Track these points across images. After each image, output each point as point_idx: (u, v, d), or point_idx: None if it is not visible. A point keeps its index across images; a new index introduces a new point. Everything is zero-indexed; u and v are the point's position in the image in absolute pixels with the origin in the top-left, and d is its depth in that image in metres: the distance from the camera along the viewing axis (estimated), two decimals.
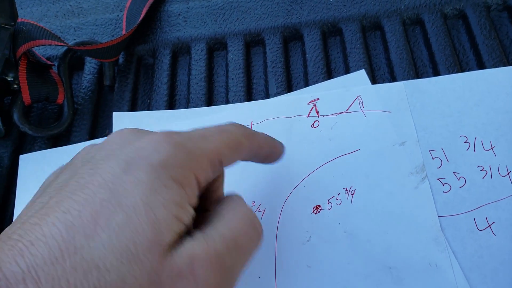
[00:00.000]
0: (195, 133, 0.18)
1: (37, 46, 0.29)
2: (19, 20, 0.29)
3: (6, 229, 0.14)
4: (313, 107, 0.28)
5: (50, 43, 0.30)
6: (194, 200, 0.16)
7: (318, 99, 0.28)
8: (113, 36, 0.35)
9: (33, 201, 0.16)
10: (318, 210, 0.25)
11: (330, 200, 0.25)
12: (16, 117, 0.30)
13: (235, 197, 0.19)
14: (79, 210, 0.14)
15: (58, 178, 0.16)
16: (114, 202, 0.14)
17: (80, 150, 0.18)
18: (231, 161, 0.19)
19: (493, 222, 0.23)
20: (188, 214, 0.16)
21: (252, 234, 0.17)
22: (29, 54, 0.30)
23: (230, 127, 0.19)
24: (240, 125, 0.20)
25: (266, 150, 0.22)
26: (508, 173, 0.25)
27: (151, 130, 0.18)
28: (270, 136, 0.23)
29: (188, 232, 0.16)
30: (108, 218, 0.14)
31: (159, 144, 0.16)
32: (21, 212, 0.16)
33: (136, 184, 0.15)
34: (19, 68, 0.29)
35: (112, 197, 0.14)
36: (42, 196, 0.15)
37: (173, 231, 0.15)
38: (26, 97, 0.30)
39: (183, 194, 0.16)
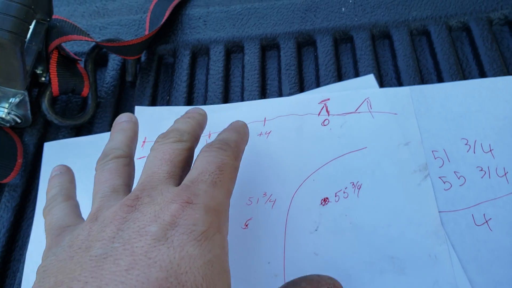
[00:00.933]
0: (206, 184, 0.19)
1: (68, 41, 0.31)
2: (53, 16, 0.31)
3: None
4: (323, 106, 0.30)
5: (80, 39, 0.32)
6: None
7: (328, 99, 0.30)
8: (136, 36, 0.38)
9: None
10: (326, 202, 0.27)
11: (337, 193, 0.27)
12: (44, 107, 0.32)
13: None
14: None
15: (75, 261, 0.15)
16: (174, 281, 0.14)
17: (73, 235, 0.18)
18: (233, 189, 0.21)
19: (490, 219, 0.25)
20: (229, 275, 0.18)
21: None
22: (60, 48, 0.32)
23: (224, 158, 0.20)
24: (226, 147, 0.21)
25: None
26: (505, 174, 0.26)
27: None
28: (240, 129, 0.25)
29: None
30: None
31: (192, 216, 0.17)
32: None
33: (190, 260, 0.15)
34: (51, 61, 0.31)
35: (169, 276, 0.14)
36: (66, 283, 0.14)
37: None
38: (55, 88, 0.32)
39: (227, 256, 0.18)
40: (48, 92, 0.32)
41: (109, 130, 0.33)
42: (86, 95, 0.34)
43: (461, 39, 0.33)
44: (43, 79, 0.32)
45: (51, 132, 0.34)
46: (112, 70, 0.36)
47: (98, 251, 0.15)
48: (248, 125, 0.31)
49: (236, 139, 0.23)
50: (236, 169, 0.21)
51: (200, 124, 0.25)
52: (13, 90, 0.27)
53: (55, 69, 0.32)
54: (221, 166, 0.20)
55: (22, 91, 0.27)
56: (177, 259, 0.15)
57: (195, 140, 0.23)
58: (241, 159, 0.23)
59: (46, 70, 0.32)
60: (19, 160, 0.31)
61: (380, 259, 0.24)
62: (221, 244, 0.17)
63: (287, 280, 0.25)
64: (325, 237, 0.26)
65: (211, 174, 0.19)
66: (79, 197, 0.25)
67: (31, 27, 0.25)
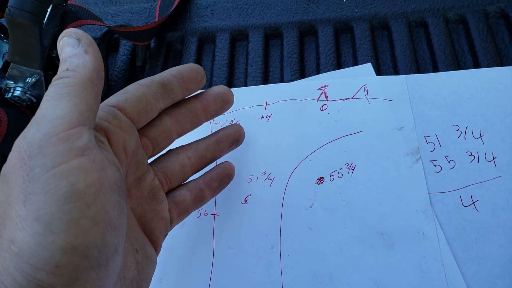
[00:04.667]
0: None
1: (83, 25, 0.33)
2: (69, 2, 0.33)
3: None
4: (322, 92, 0.31)
5: (93, 23, 0.34)
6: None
7: (327, 85, 0.31)
8: (146, 23, 0.39)
9: None
10: (321, 181, 0.28)
11: (332, 173, 0.28)
12: None
13: None
14: None
15: None
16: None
17: None
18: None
19: (477, 200, 0.26)
20: None
21: None
22: None
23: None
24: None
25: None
26: (494, 159, 0.27)
27: None
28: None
29: None
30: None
31: None
32: None
33: None
34: None
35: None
36: None
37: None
38: None
39: None
40: None
41: None
42: None
43: (457, 31, 0.34)
44: (58, 62, 0.34)
45: None
46: (123, 55, 0.38)
47: None
48: (250, 108, 0.32)
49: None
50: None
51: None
52: (30, 69, 0.29)
53: None
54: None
55: (38, 71, 0.29)
56: None
57: None
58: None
59: None
60: None
61: (371, 235, 0.26)
62: None
63: (282, 252, 0.26)
64: (319, 213, 0.27)
65: None
66: None
67: (48, 10, 0.27)
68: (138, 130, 0.22)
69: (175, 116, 0.24)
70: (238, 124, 0.28)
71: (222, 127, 0.31)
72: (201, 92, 0.26)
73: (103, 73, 0.19)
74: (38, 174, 0.15)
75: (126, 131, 0.21)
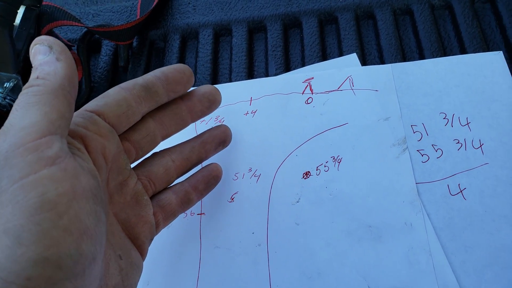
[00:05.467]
0: None
1: (59, 26, 0.32)
2: (43, 3, 0.33)
3: None
4: (307, 85, 0.31)
5: (71, 24, 0.33)
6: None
7: (312, 78, 0.31)
8: (128, 21, 0.39)
9: None
10: (308, 175, 0.28)
11: (318, 167, 0.28)
12: None
13: None
14: None
15: None
16: None
17: None
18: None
19: (465, 188, 0.26)
20: None
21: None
22: (52, 34, 0.33)
23: None
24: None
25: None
26: (481, 146, 0.27)
27: None
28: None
29: None
30: None
31: None
32: None
33: None
34: None
35: None
36: None
37: None
38: None
39: None
40: None
41: None
42: (80, 80, 0.35)
43: (443, 17, 0.34)
44: None
45: None
46: (105, 56, 0.38)
47: None
48: (234, 105, 0.32)
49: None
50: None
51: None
52: (5, 74, 0.28)
53: None
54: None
55: (15, 75, 0.29)
56: None
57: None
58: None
59: None
60: None
61: (358, 228, 0.26)
62: None
63: (269, 249, 0.26)
64: (306, 208, 0.27)
65: None
66: None
67: (21, 12, 0.26)
68: (120, 135, 0.22)
69: (159, 119, 0.24)
70: (225, 125, 0.28)
71: (207, 126, 0.31)
72: (186, 93, 0.25)
73: (76, 80, 0.19)
74: (5, 186, 0.15)
75: (105, 136, 0.20)
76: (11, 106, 0.32)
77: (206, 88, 0.25)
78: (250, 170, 0.29)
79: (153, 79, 0.23)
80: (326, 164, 0.28)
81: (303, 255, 0.25)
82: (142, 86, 0.22)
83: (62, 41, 0.35)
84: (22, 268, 0.14)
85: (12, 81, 0.29)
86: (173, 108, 0.24)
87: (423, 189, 0.26)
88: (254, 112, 0.31)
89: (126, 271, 0.20)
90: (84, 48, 0.36)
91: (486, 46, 0.31)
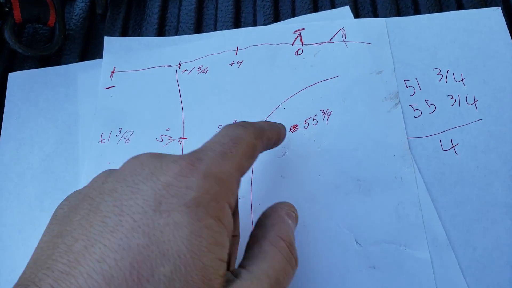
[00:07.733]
0: (214, 153, 0.16)
1: None
2: None
3: (27, 272, 0.13)
4: (298, 36, 0.29)
5: None
6: (231, 228, 0.16)
7: (303, 29, 0.29)
8: None
9: (50, 239, 0.14)
10: (295, 129, 0.26)
11: (307, 121, 0.27)
12: (7, 34, 0.30)
13: (276, 228, 0.18)
14: (116, 259, 0.13)
15: (76, 213, 0.15)
16: (155, 250, 0.13)
17: (95, 177, 0.16)
18: (249, 168, 0.18)
19: (457, 144, 0.25)
20: (227, 249, 0.15)
21: (290, 271, 0.17)
22: None
23: (242, 133, 0.18)
24: (247, 124, 0.19)
25: (274, 139, 0.21)
26: (475, 102, 0.26)
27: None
28: (272, 122, 0.22)
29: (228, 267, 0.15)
30: (152, 268, 0.13)
31: (187, 179, 0.15)
32: (39, 250, 0.14)
33: (175, 228, 0.13)
34: None
35: (150, 244, 0.13)
36: (63, 236, 0.14)
37: (219, 275, 0.14)
38: (17, 14, 0.30)
39: (222, 229, 0.15)
40: (10, 19, 0.31)
41: (79, 61, 0.32)
42: (53, 25, 0.33)
43: None
44: (6, 9, 0.31)
45: (16, 64, 0.33)
46: (82, 2, 0.35)
47: (93, 203, 0.14)
48: (219, 54, 0.30)
49: (263, 125, 0.20)
50: (254, 147, 0.18)
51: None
52: None
53: None
54: (235, 139, 0.17)
55: None
56: (161, 225, 0.13)
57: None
58: (265, 146, 0.20)
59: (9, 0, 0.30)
60: None
61: (346, 181, 0.24)
62: (217, 214, 0.15)
63: (253, 201, 0.25)
64: (292, 161, 0.25)
65: (222, 144, 0.17)
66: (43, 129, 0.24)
67: None
68: None
69: None
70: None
71: (189, 76, 0.29)
72: None
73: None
74: None
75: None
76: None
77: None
78: (235, 121, 0.27)
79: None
80: (315, 118, 0.27)
81: None
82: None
83: None
84: None
85: None
86: None
87: (415, 143, 0.25)
88: (240, 63, 0.29)
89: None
90: None
91: (483, 2, 0.30)
